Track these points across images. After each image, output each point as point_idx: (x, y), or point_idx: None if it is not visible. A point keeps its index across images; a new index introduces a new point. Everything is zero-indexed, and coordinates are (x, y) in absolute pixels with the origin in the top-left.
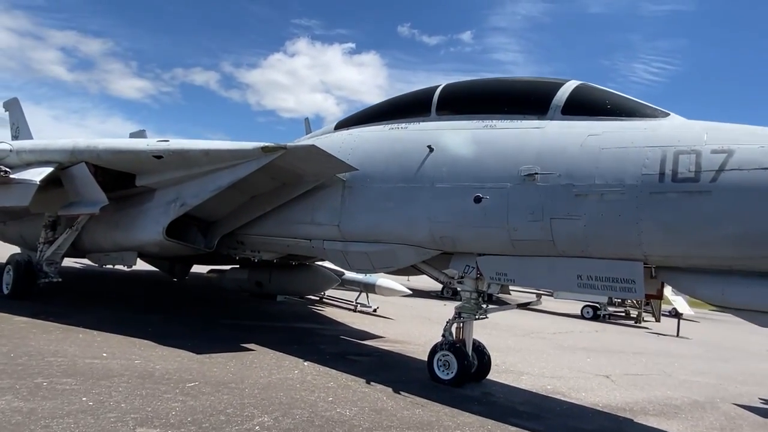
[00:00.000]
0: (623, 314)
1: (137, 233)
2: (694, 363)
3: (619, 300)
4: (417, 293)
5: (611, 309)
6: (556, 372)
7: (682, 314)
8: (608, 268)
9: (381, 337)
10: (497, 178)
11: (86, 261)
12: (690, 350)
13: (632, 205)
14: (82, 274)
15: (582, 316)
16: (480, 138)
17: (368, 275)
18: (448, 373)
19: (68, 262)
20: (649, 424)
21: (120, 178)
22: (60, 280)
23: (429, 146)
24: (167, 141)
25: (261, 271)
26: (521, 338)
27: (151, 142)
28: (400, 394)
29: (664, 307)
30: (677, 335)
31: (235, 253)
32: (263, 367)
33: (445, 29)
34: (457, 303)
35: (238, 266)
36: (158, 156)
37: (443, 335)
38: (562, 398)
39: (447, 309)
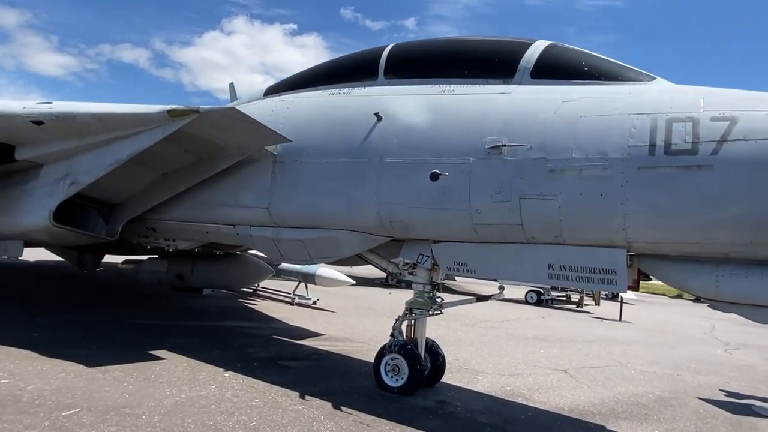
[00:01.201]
0: (564, 298)
1: (19, 218)
2: (644, 351)
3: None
4: (360, 281)
5: (554, 294)
6: (512, 368)
7: (622, 297)
8: (586, 256)
9: (320, 334)
10: (457, 151)
11: None
12: (636, 336)
13: (616, 183)
14: None
15: (526, 301)
16: (436, 105)
17: (307, 265)
18: (397, 380)
19: None
20: None
21: (1, 152)
22: None
23: (377, 114)
24: (50, 103)
25: (182, 262)
26: (470, 328)
27: (28, 105)
28: (340, 410)
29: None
30: (620, 320)
31: (146, 242)
32: (172, 381)
33: (389, 15)
34: (408, 298)
35: (156, 256)
36: (38, 122)
37: (392, 334)
38: (524, 402)
39: (392, 298)
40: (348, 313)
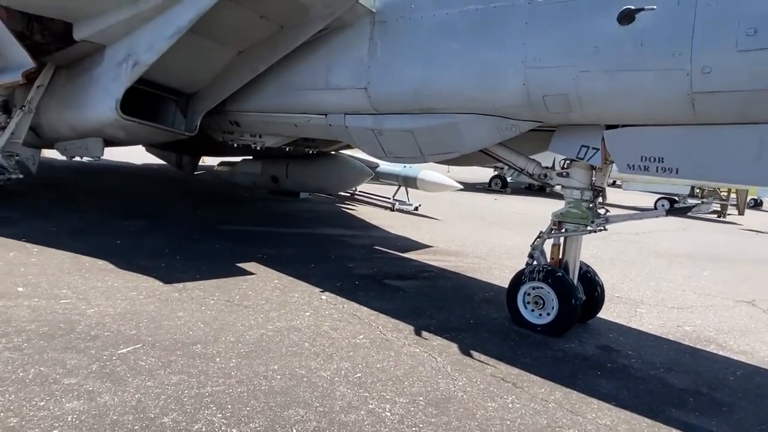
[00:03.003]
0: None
1: (88, 111)
2: None
3: (700, 190)
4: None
5: (691, 201)
6: (679, 298)
7: None
8: None
9: (428, 246)
10: None
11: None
12: None
13: None
14: (86, 168)
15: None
16: None
17: (408, 166)
18: (541, 315)
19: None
20: None
21: (68, 35)
22: (21, 176)
23: None
24: None
25: (276, 164)
26: (602, 241)
27: None
28: (471, 356)
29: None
30: None
31: (232, 139)
32: (258, 306)
33: None
34: (557, 209)
35: (251, 157)
36: None
37: (531, 255)
38: (719, 352)
39: (500, 205)
40: (454, 221)
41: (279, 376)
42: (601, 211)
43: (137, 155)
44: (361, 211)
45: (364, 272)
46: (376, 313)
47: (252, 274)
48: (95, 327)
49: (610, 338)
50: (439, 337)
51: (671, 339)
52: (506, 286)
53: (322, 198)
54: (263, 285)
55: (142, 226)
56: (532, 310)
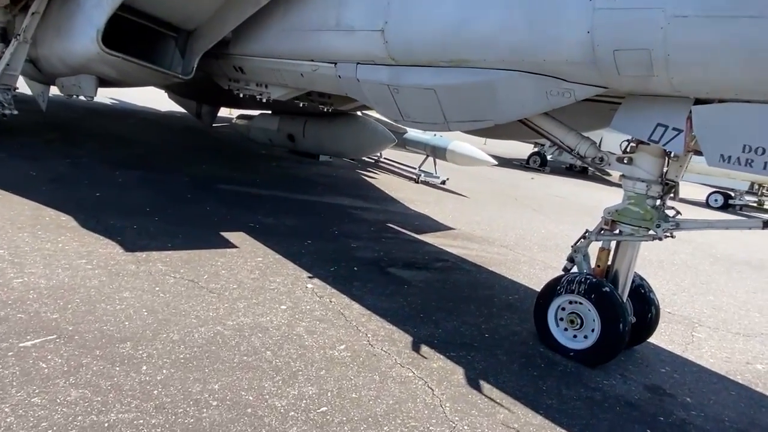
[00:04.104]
0: (756, 204)
1: (73, 42)
2: None
3: (759, 186)
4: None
5: (748, 198)
6: (744, 320)
7: None
8: None
9: (449, 228)
10: None
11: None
12: None
13: None
14: (106, 111)
15: (707, 205)
16: None
17: (438, 135)
18: (576, 336)
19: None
20: None
21: None
22: (16, 112)
23: None
24: None
25: (294, 121)
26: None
27: None
28: (480, 391)
29: None
30: None
31: (238, 87)
32: (227, 291)
33: None
34: (611, 205)
35: (269, 112)
36: None
37: (571, 259)
38: None
39: (537, 185)
40: (483, 200)
41: (215, 402)
42: (671, 213)
43: (162, 101)
44: (383, 181)
45: (367, 256)
46: (368, 313)
47: (234, 247)
48: (10, 304)
49: (662, 375)
50: (442, 356)
51: (740, 382)
52: (535, 288)
53: (344, 162)
54: (243, 263)
55: (135, 177)
56: (565, 329)
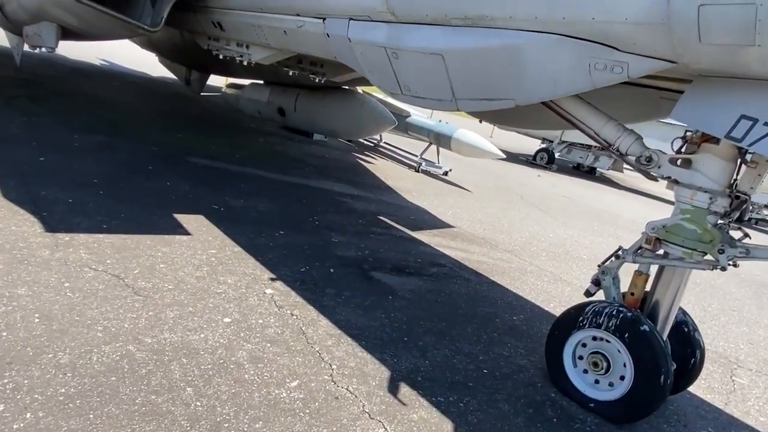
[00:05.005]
0: None
1: None
2: None
3: None
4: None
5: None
6: None
7: None
8: None
9: (449, 226)
10: None
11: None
12: None
13: None
14: (92, 72)
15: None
16: None
17: (444, 121)
18: (599, 384)
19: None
20: None
21: None
22: None
23: None
24: None
25: (285, 93)
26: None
27: None
28: None
29: None
30: None
31: (217, 48)
32: (157, 294)
33: None
34: (657, 219)
35: (261, 82)
36: None
37: (597, 282)
38: None
39: (544, 183)
40: (487, 195)
41: None
42: (737, 235)
43: (156, 66)
44: (380, 166)
45: (349, 254)
46: (338, 332)
47: (186, 234)
48: None
49: None
50: (426, 402)
51: None
52: (543, 306)
53: (339, 144)
54: (190, 255)
55: (95, 143)
56: (585, 372)
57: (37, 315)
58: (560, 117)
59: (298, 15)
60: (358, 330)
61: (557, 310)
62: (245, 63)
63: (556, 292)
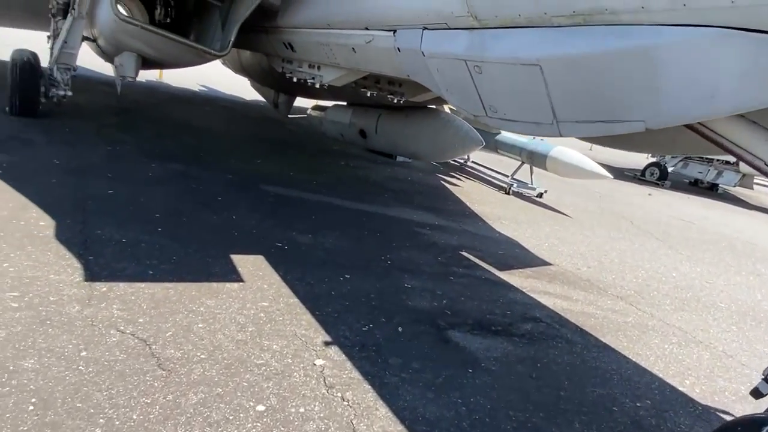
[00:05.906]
0: None
1: (100, 12)
2: None
3: None
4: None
5: None
6: None
7: None
8: None
9: (544, 263)
10: None
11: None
12: None
13: None
14: (187, 97)
15: None
16: None
17: (539, 138)
18: None
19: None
20: None
21: None
22: (70, 93)
23: None
24: None
25: (367, 114)
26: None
27: None
28: None
29: None
30: None
31: (291, 70)
32: (186, 364)
33: None
34: None
35: (344, 103)
36: None
37: None
38: None
39: (656, 204)
40: (589, 221)
41: None
42: None
43: (249, 90)
44: (466, 189)
45: (423, 305)
46: (399, 430)
47: (239, 281)
48: None
49: None
50: None
51: None
52: (675, 382)
53: (423, 164)
54: (237, 310)
55: (169, 172)
56: None
57: (33, 400)
58: (710, 142)
59: (367, 29)
60: (426, 426)
61: (696, 392)
62: (317, 85)
63: (691, 360)
